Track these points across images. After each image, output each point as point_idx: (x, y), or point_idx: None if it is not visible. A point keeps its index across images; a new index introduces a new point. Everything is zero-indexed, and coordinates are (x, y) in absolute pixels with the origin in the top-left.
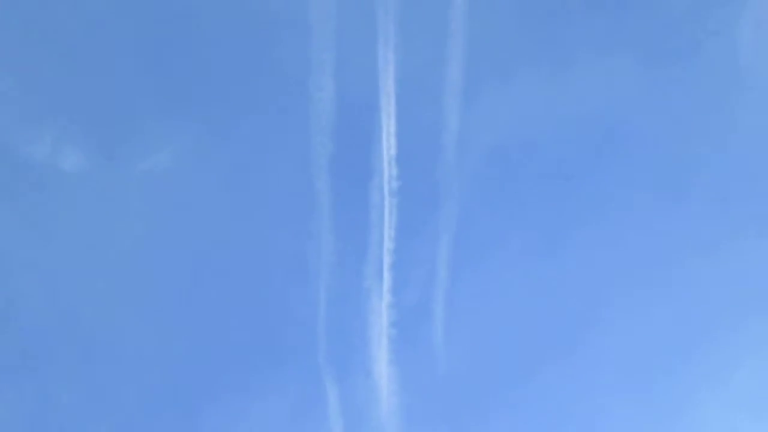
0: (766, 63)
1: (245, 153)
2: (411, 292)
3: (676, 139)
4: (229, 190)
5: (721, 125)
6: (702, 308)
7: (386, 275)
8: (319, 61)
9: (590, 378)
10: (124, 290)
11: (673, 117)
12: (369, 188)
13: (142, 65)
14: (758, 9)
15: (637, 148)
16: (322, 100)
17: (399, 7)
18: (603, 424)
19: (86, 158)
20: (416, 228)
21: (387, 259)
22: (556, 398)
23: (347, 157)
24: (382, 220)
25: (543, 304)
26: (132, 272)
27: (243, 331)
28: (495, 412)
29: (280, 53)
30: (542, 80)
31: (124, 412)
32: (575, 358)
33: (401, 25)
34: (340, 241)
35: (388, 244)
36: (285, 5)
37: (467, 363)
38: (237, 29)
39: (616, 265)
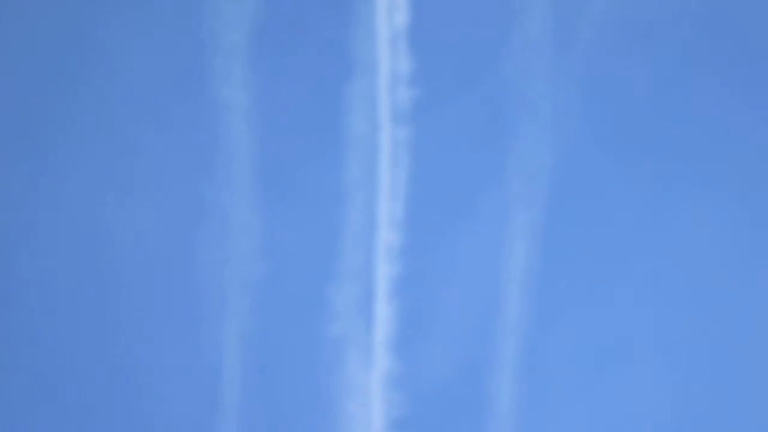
0: None
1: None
2: (435, 343)
3: None
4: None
5: None
6: None
7: (380, 297)
8: None
9: None
10: None
11: None
12: (345, 92)
13: None
14: None
15: None
16: None
17: None
18: None
19: None
20: (444, 183)
21: (382, 266)
22: None
23: (297, 20)
24: (373, 159)
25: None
26: None
27: None
28: None
29: None
30: None
31: None
32: None
33: None
34: (274, 206)
35: (386, 233)
36: None
37: None
38: None
39: None
